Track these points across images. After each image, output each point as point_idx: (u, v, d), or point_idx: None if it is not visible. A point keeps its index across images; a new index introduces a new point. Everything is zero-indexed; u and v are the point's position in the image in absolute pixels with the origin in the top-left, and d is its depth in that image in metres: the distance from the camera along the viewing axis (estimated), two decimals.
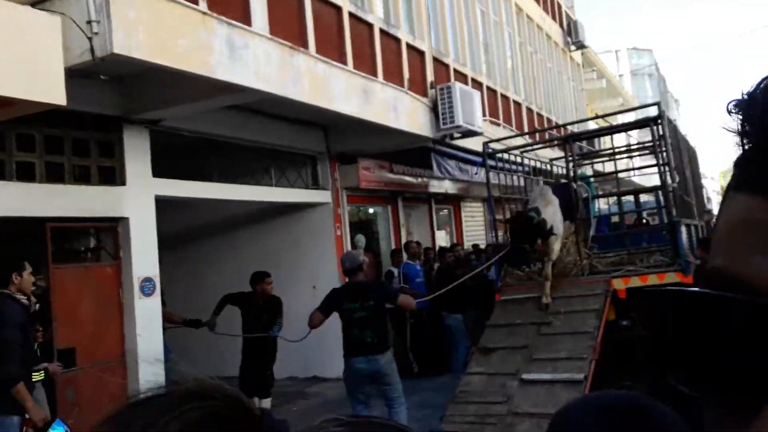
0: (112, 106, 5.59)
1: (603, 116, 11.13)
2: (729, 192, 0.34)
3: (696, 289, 0.31)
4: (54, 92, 3.98)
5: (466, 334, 7.97)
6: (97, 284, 5.26)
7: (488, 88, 10.94)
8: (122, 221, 5.54)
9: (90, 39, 4.33)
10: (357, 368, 5.07)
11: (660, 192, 7.96)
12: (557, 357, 5.73)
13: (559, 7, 16.87)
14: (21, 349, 3.74)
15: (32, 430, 3.74)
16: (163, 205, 6.15)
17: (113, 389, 4.90)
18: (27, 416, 3.74)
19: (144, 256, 5.58)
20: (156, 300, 5.58)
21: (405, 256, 8.57)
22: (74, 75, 4.64)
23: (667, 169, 7.35)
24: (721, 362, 0.29)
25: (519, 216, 6.62)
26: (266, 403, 6.28)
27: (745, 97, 0.32)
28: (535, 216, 5.97)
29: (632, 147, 9.73)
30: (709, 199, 20.15)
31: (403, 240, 9.62)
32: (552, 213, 6.23)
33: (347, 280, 5.34)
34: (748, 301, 0.28)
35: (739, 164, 0.33)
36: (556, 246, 6.35)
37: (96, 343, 4.96)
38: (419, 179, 9.74)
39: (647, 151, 8.85)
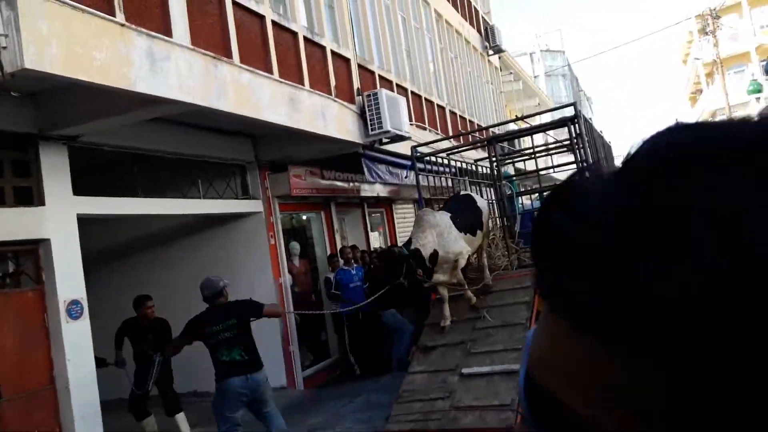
0: (27, 123, 5.32)
1: (523, 117, 11.58)
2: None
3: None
4: None
5: (403, 325, 8.06)
6: (19, 311, 4.98)
7: (413, 93, 11.16)
8: (43, 243, 5.28)
9: None
10: (234, 387, 4.94)
11: None
12: (493, 350, 5.93)
13: (477, 12, 17.42)
14: None
15: None
16: (88, 222, 5.91)
17: (44, 419, 4.67)
18: None
19: (69, 278, 5.34)
20: (84, 323, 5.35)
21: (341, 261, 8.61)
22: None
23: (584, 164, 7.77)
24: None
25: (386, 253, 6.88)
26: (180, 418, 6.22)
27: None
28: (404, 250, 6.01)
29: (550, 145, 10.18)
30: None
31: (338, 244, 9.65)
32: (434, 236, 6.14)
33: (207, 306, 5.26)
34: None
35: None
36: (461, 260, 6.29)
37: (22, 372, 4.70)
38: (351, 184, 9.81)
39: (565, 149, 9.30)
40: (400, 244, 11.47)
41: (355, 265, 8.60)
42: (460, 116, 13.78)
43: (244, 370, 4.99)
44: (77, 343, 5.18)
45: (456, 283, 6.44)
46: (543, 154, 10.45)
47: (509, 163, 10.74)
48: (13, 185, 5.21)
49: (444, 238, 6.14)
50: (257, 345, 7.23)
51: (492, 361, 5.80)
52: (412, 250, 5.98)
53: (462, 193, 7.46)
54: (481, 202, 7.15)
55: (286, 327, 7.91)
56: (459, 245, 6.23)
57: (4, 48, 4.14)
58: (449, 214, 6.41)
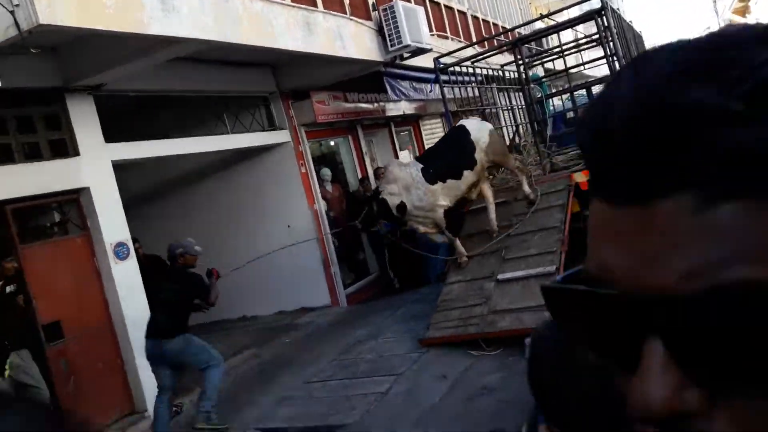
0: (51, 77, 5.44)
1: (548, 15, 11.06)
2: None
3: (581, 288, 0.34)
4: None
5: (436, 243, 8.20)
6: (70, 256, 5.30)
7: (431, 1, 10.75)
8: (83, 191, 5.52)
9: (12, 13, 4.19)
10: (147, 348, 4.86)
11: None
12: (528, 254, 6.01)
13: None
14: None
15: None
16: (123, 168, 6.12)
17: (105, 352, 5.07)
18: None
19: (112, 222, 5.61)
20: (132, 263, 5.66)
21: (374, 183, 8.69)
22: (4, 52, 4.51)
23: (615, 59, 7.47)
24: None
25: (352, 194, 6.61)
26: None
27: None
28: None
29: (579, 42, 9.76)
30: None
31: (368, 167, 9.72)
32: (400, 189, 6.04)
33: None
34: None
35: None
36: (432, 215, 6.18)
37: (80, 312, 5.07)
38: (375, 104, 9.72)
39: (595, 44, 8.92)
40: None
41: None
42: (482, 20, 13.25)
43: (157, 334, 4.83)
44: (127, 282, 5.51)
45: (440, 232, 6.39)
46: (572, 51, 10.06)
47: (537, 64, 10.39)
48: (47, 139, 5.40)
49: (410, 193, 6.06)
50: (300, 269, 7.51)
51: (527, 266, 5.90)
52: (380, 199, 5.99)
53: (458, 124, 6.92)
54: (478, 133, 6.53)
55: (324, 250, 8.15)
56: (426, 201, 6.08)
57: (17, 6, 4.19)
58: (421, 166, 6.21)
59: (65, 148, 5.51)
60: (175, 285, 4.97)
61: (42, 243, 5.19)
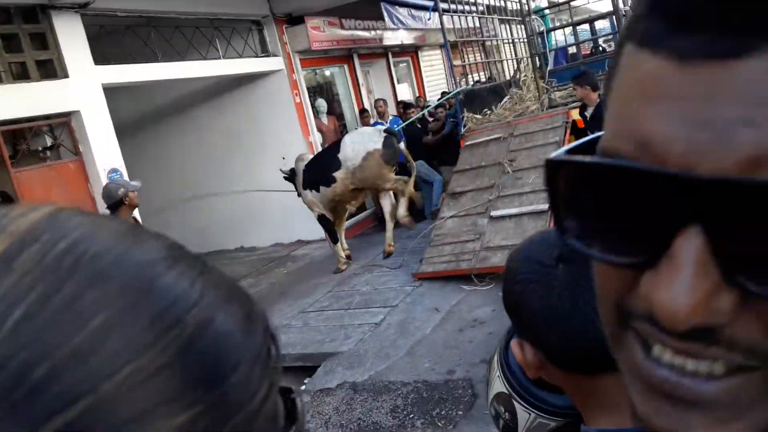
0: None
1: None
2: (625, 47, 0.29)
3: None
4: None
5: (433, 175, 8.21)
6: (64, 181, 5.24)
7: None
8: (74, 114, 5.40)
9: None
10: None
11: (614, 18, 7.90)
12: (522, 192, 6.02)
13: None
14: None
15: None
16: (113, 92, 5.96)
17: None
18: None
19: (104, 148, 5.52)
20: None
21: (375, 115, 8.57)
22: None
23: None
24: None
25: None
26: None
27: None
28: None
29: None
30: None
31: (365, 99, 9.54)
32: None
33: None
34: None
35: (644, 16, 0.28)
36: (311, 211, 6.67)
37: None
38: (372, 32, 9.43)
39: None
40: (425, 95, 11.27)
41: (391, 117, 8.56)
42: None
43: None
44: None
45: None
46: None
47: None
48: (34, 59, 5.22)
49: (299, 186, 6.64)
50: (297, 202, 7.50)
51: (521, 203, 5.92)
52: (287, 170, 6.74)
53: (343, 137, 6.90)
54: (351, 152, 6.31)
55: None
56: (306, 198, 6.60)
57: None
58: (305, 167, 6.57)
59: (54, 69, 5.34)
60: None
61: (35, 167, 5.11)
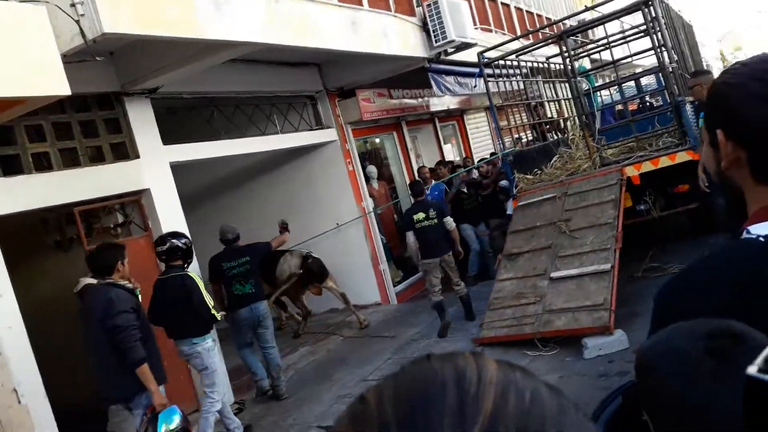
0: (110, 82, 5.61)
1: (594, 6, 10.84)
2: None
3: None
4: (57, 83, 4.00)
5: (472, 242, 8.28)
6: (134, 257, 5.44)
7: None
8: (144, 193, 5.69)
9: (77, 22, 4.32)
10: (242, 317, 5.71)
11: (660, 74, 7.91)
12: (582, 251, 5.95)
13: None
14: (138, 332, 3.96)
15: (148, 415, 3.89)
16: (178, 169, 6.27)
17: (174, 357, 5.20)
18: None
19: (172, 222, 5.76)
20: (193, 262, 5.80)
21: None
22: (70, 60, 4.66)
23: (663, 49, 7.30)
24: None
25: None
26: None
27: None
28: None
29: (626, 32, 9.54)
30: (709, 66, 19.80)
31: (413, 162, 9.73)
32: None
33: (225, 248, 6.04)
34: None
35: None
36: None
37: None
38: (419, 100, 9.71)
39: (642, 35, 8.72)
40: (472, 156, 11.42)
41: (433, 182, 8.70)
42: (526, 11, 13.08)
43: (250, 300, 5.73)
44: None
45: None
46: (618, 42, 9.85)
47: (584, 56, 10.21)
48: (109, 142, 5.57)
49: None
50: (350, 267, 7.61)
51: (581, 263, 5.84)
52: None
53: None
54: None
55: (373, 247, 8.21)
56: None
57: (83, 16, 4.32)
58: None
59: (126, 151, 5.68)
60: (244, 256, 5.84)
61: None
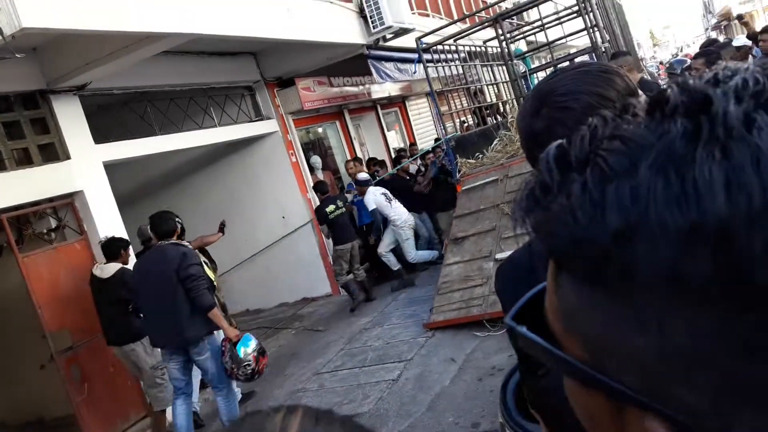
0: (34, 79, 5.33)
1: None
2: None
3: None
4: None
5: (419, 230, 8.37)
6: (70, 262, 5.25)
7: None
8: (77, 195, 5.45)
9: None
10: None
11: (593, 53, 8.13)
12: (524, 232, 6.08)
13: None
14: (206, 282, 4.46)
15: (227, 345, 4.45)
16: (113, 167, 6.04)
17: (114, 358, 5.05)
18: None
19: (108, 224, 5.54)
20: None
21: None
22: None
23: (596, 29, 7.50)
24: None
25: None
26: None
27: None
28: None
29: (560, 14, 9.75)
30: (639, 45, 20.50)
31: (358, 151, 9.69)
32: None
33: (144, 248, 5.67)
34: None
35: None
36: None
37: (86, 317, 5.03)
38: (360, 87, 9.66)
39: (575, 15, 8.92)
40: (415, 142, 11.46)
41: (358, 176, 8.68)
42: None
43: None
44: None
45: None
46: (553, 24, 10.06)
47: (520, 38, 10.38)
48: (36, 143, 5.30)
49: None
50: (299, 260, 7.52)
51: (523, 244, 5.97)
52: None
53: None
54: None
55: (321, 239, 8.15)
56: None
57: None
58: None
59: (55, 151, 5.42)
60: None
61: (42, 251, 5.12)
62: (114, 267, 4.93)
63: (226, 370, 4.45)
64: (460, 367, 4.79)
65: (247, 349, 4.42)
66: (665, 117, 0.31)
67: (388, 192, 7.81)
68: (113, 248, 5.05)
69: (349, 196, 7.91)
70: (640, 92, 1.07)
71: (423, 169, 8.97)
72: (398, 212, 7.67)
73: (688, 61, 8.73)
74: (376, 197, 7.63)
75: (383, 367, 5.23)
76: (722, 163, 0.27)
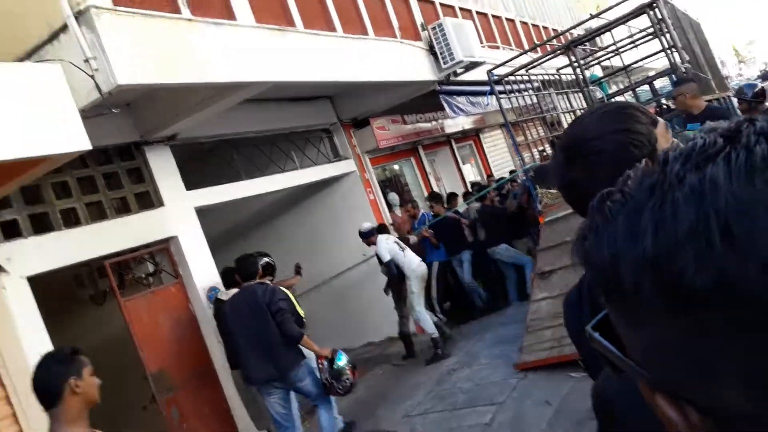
0: (129, 132, 5.67)
1: (598, 14, 10.80)
2: None
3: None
4: (77, 139, 4.01)
5: (521, 258, 8.04)
6: (167, 305, 5.45)
7: (478, 12, 10.71)
8: (172, 240, 5.69)
9: (92, 77, 4.37)
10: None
11: (673, 75, 7.82)
12: None
13: None
14: (294, 316, 4.80)
15: (324, 363, 4.78)
16: (202, 212, 6.29)
17: (211, 397, 5.16)
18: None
19: (202, 267, 5.75)
20: None
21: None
22: (88, 115, 4.71)
23: (674, 50, 7.23)
24: None
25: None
26: None
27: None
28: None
29: (634, 36, 9.49)
30: (723, 63, 19.63)
31: (433, 185, 9.68)
32: None
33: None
34: None
35: None
36: None
37: (183, 359, 5.19)
38: (434, 123, 9.71)
39: (651, 37, 8.64)
40: (492, 174, 11.34)
41: (421, 213, 8.57)
42: (532, 25, 13.10)
43: None
44: None
45: None
46: (628, 47, 9.79)
47: (594, 64, 10.15)
48: (133, 192, 5.61)
49: None
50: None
51: None
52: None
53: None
54: None
55: None
56: None
57: (96, 71, 4.37)
58: None
59: (150, 199, 5.71)
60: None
61: (141, 295, 5.35)
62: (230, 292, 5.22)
63: (325, 387, 4.77)
64: (557, 410, 4.53)
65: (342, 362, 4.77)
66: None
67: (399, 240, 7.44)
68: (250, 266, 5.20)
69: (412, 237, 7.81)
70: (659, 119, 1.11)
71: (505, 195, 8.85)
72: (408, 260, 7.14)
73: (759, 84, 8.15)
74: (389, 245, 7.15)
75: (474, 410, 5.02)
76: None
